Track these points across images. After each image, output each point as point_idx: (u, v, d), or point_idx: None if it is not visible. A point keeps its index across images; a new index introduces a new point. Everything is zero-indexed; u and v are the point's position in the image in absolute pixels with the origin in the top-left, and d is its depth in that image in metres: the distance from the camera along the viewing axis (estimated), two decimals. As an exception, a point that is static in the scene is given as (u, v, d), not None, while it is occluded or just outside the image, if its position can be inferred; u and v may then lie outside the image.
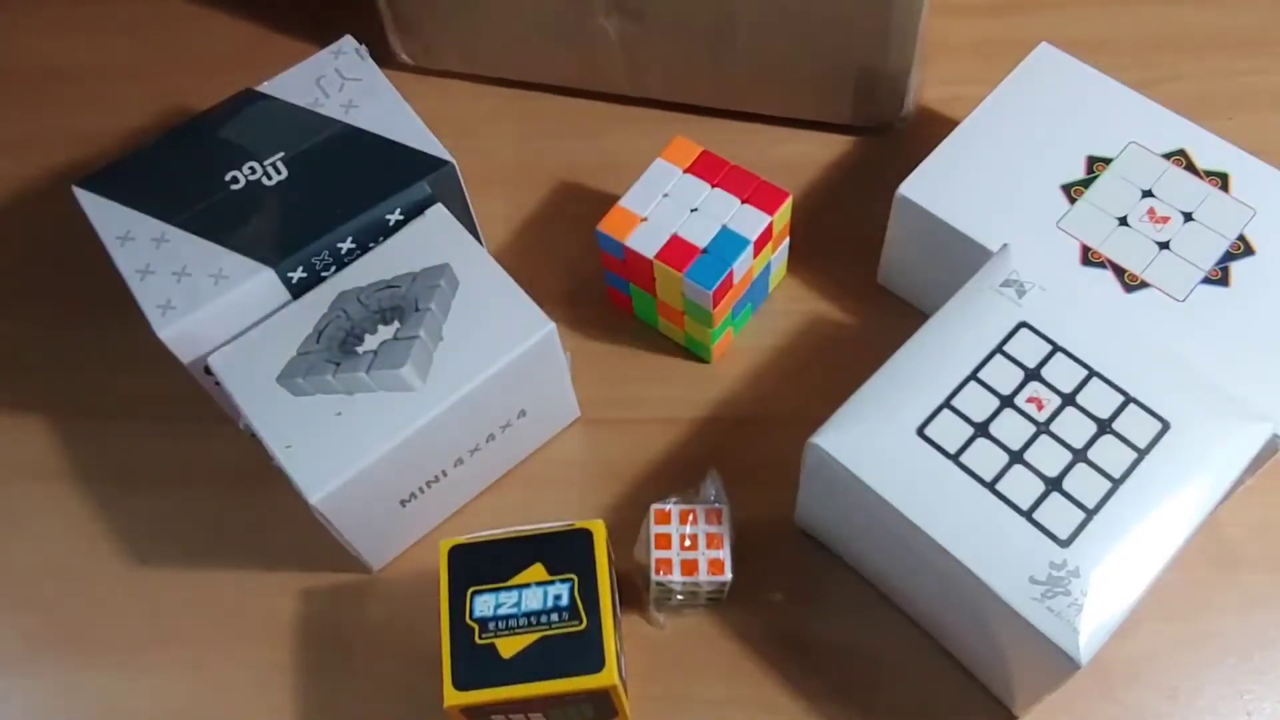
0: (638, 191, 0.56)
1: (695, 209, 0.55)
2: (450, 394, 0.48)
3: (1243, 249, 0.52)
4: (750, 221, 0.55)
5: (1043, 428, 0.45)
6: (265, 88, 0.56)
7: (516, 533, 0.47)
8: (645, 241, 0.54)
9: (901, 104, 0.63)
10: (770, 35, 0.60)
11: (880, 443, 0.45)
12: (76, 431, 0.59)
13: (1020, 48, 0.59)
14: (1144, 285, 0.51)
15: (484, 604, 0.45)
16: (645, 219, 0.55)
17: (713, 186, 0.56)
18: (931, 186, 0.54)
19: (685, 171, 0.56)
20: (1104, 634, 0.41)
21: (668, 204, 0.56)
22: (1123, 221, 0.53)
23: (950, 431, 0.45)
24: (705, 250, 0.54)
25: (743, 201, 0.55)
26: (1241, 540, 0.53)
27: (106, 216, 0.52)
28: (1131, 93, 0.56)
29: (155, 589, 0.55)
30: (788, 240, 0.59)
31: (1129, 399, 0.45)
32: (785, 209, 0.56)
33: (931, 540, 0.43)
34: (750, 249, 0.54)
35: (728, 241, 0.54)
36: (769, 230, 0.55)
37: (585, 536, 0.46)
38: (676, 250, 0.54)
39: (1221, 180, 0.53)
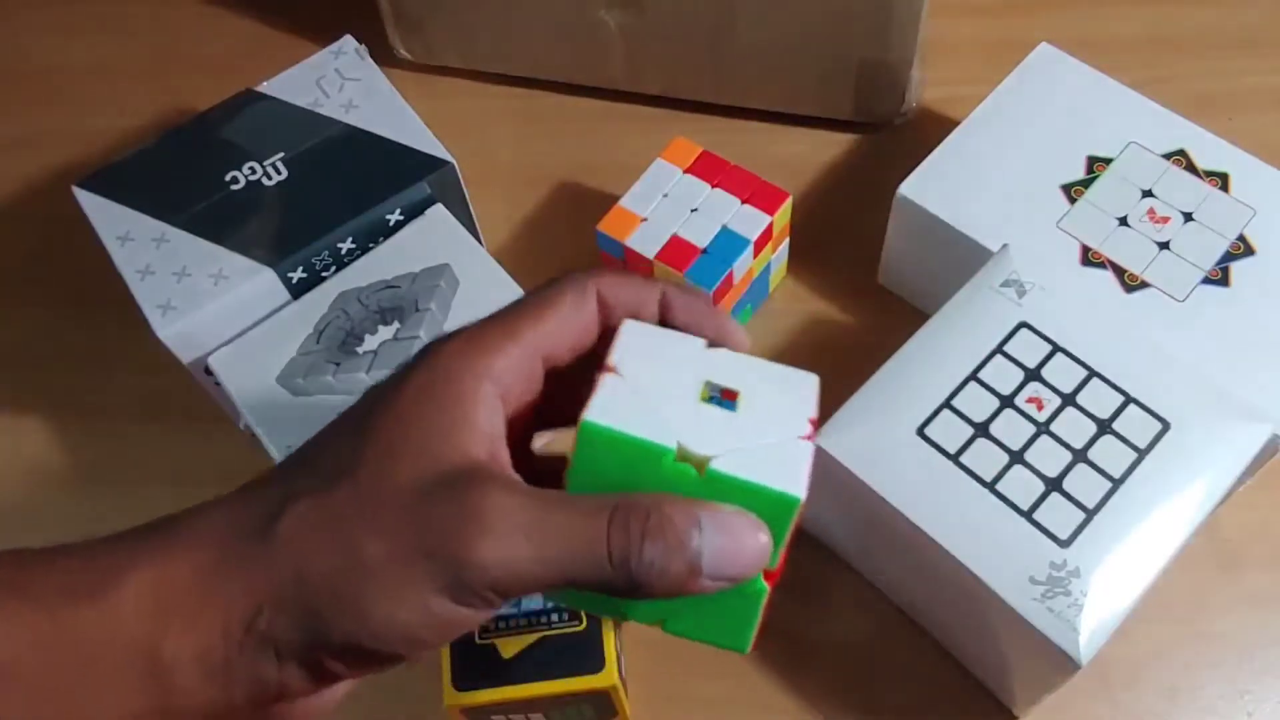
0: (638, 192, 0.56)
1: (695, 209, 0.55)
2: (450, 394, 0.48)
3: (1243, 249, 0.52)
4: (750, 222, 0.55)
5: (1043, 428, 0.45)
6: (265, 88, 0.56)
7: (516, 533, 0.46)
8: (645, 242, 0.54)
9: (903, 99, 0.63)
10: (770, 28, 0.60)
11: (880, 443, 0.45)
12: (76, 431, 0.59)
13: (1020, 48, 0.59)
14: (1144, 285, 0.51)
15: (484, 604, 0.45)
16: (645, 219, 0.55)
17: (713, 187, 0.56)
18: (931, 186, 0.54)
19: (685, 172, 0.56)
20: (1104, 634, 0.41)
21: (668, 204, 0.56)
22: (1123, 221, 0.53)
23: (950, 431, 0.45)
24: (705, 250, 0.54)
25: (743, 202, 0.55)
26: (1241, 540, 0.53)
27: (106, 216, 0.52)
28: (1131, 93, 0.56)
29: (155, 589, 0.55)
30: (788, 240, 0.59)
31: (1129, 399, 0.45)
32: (785, 209, 0.56)
33: (931, 540, 0.43)
34: (750, 249, 0.54)
35: (728, 242, 0.54)
36: (769, 230, 0.55)
37: (585, 536, 0.46)
38: (676, 250, 0.54)
39: (1221, 180, 0.53)
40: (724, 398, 0.32)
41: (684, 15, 0.61)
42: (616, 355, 0.32)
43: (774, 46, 0.61)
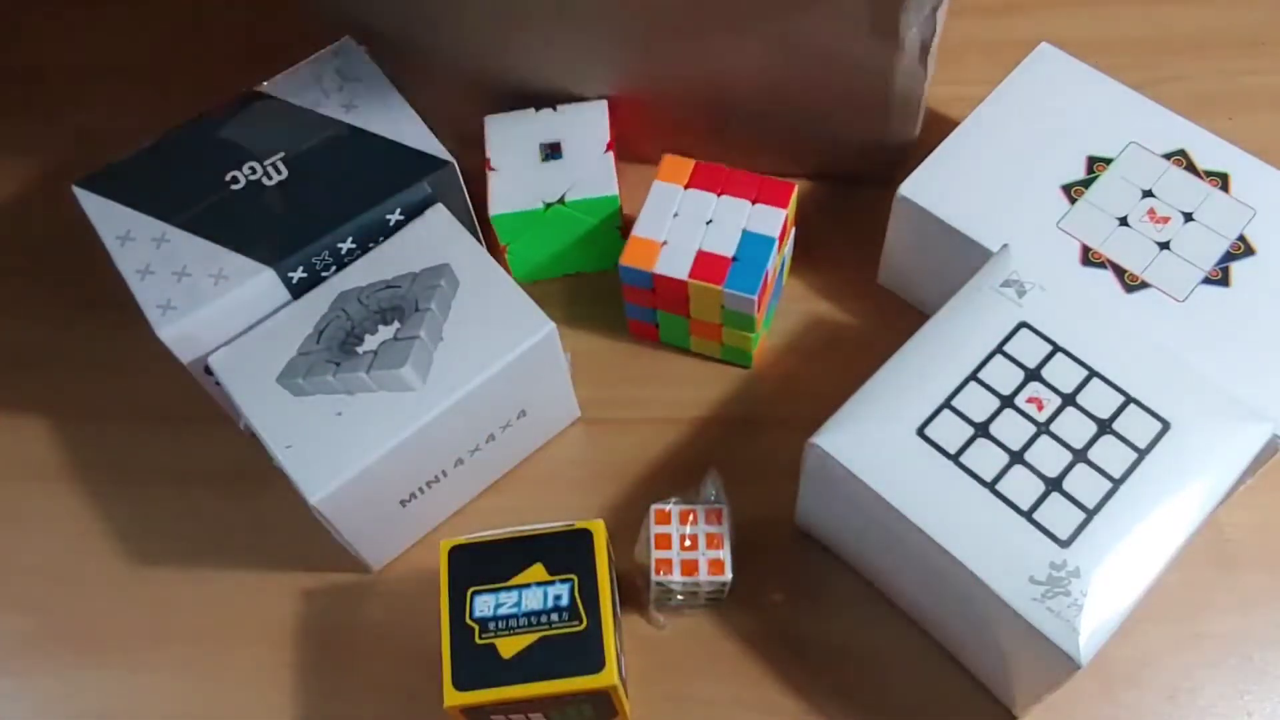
0: (647, 217, 0.55)
1: (710, 221, 0.55)
2: (450, 394, 0.48)
3: (1243, 249, 0.52)
4: (768, 219, 0.55)
5: (1043, 428, 0.45)
6: (265, 88, 0.56)
7: (516, 533, 0.47)
8: (673, 264, 0.54)
9: (905, 160, 0.62)
10: (767, 110, 0.59)
11: (880, 443, 0.45)
12: (76, 431, 0.59)
13: (1020, 48, 0.59)
14: (1144, 285, 0.51)
15: (484, 604, 0.45)
16: (665, 242, 0.54)
17: (719, 195, 0.56)
18: (931, 186, 0.54)
19: (687, 187, 0.56)
20: (1104, 634, 0.41)
21: (681, 223, 0.55)
22: (1123, 221, 0.53)
23: (950, 431, 0.45)
24: (736, 258, 0.54)
25: (753, 202, 0.55)
26: (1241, 540, 0.53)
27: (106, 216, 0.52)
28: (1131, 93, 0.56)
29: (155, 589, 0.55)
30: (793, 231, 0.59)
31: (1129, 399, 0.45)
32: (793, 199, 0.56)
33: (931, 540, 0.43)
34: (776, 245, 0.54)
35: (754, 244, 0.54)
36: (786, 223, 0.55)
37: (585, 536, 0.46)
38: (708, 265, 0.54)
39: (1221, 180, 0.53)
40: (554, 151, 0.57)
41: (679, 103, 0.59)
42: (489, 152, 0.57)
43: (771, 127, 0.60)
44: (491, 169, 0.57)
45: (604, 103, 0.59)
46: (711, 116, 0.60)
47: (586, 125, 0.58)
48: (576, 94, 0.59)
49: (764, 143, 0.62)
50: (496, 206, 0.56)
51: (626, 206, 0.58)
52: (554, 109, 0.59)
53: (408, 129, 0.54)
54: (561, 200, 0.56)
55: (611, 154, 0.57)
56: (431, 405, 0.48)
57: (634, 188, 0.60)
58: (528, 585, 0.45)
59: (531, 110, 0.59)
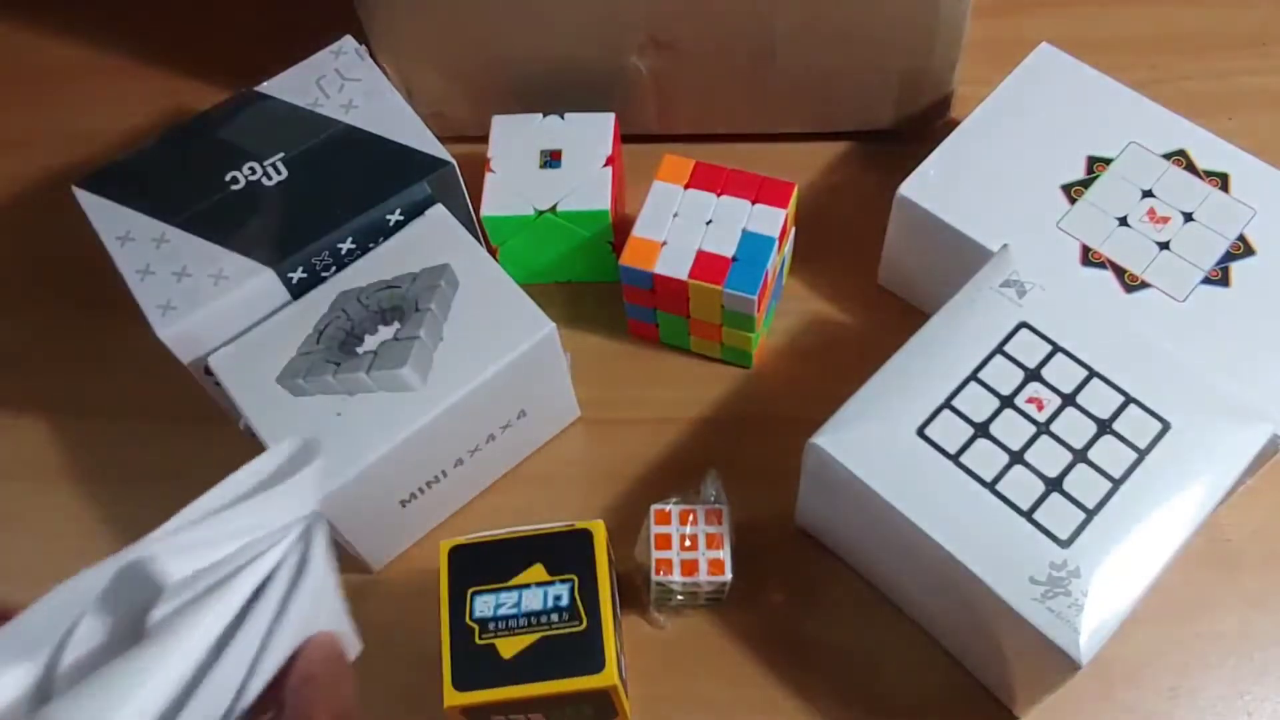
0: (647, 217, 0.55)
1: (710, 220, 0.55)
2: (450, 394, 0.48)
3: (1243, 249, 0.52)
4: (768, 220, 0.55)
5: (1043, 428, 0.45)
6: (265, 88, 0.56)
7: (516, 533, 0.47)
8: (673, 264, 0.54)
9: (948, 104, 0.62)
10: (811, 48, 0.59)
11: (880, 443, 0.45)
12: (76, 431, 0.59)
13: (1020, 48, 0.59)
14: (1144, 285, 0.51)
15: (484, 604, 0.45)
16: (665, 243, 0.54)
17: (719, 195, 0.56)
18: (931, 186, 0.54)
19: (687, 187, 0.56)
20: (1104, 634, 0.41)
21: (681, 223, 0.55)
22: (1123, 221, 0.53)
23: (950, 431, 0.45)
24: (736, 258, 0.54)
25: (753, 202, 0.55)
26: (1241, 540, 0.53)
27: (106, 216, 0.52)
28: (1131, 93, 0.56)
29: (155, 589, 0.55)
30: (793, 230, 0.59)
31: (1129, 399, 0.45)
32: (793, 199, 0.56)
33: (931, 540, 0.43)
34: (776, 246, 0.54)
35: (754, 244, 0.54)
36: (786, 223, 0.55)
37: (585, 536, 0.46)
38: (707, 265, 0.54)
39: (1221, 180, 0.53)
40: (553, 159, 0.57)
41: (720, 50, 0.59)
42: (491, 152, 0.57)
43: (814, 68, 0.60)
44: (490, 170, 0.57)
45: (611, 116, 0.59)
46: (752, 63, 0.60)
47: (590, 137, 0.58)
48: (609, 50, 0.59)
49: (803, 93, 0.61)
50: (488, 208, 0.56)
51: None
52: (561, 117, 0.59)
53: (408, 129, 0.54)
54: (553, 209, 0.56)
55: (610, 169, 0.57)
56: (431, 405, 0.48)
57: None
58: (528, 585, 0.45)
59: (539, 115, 0.59)
